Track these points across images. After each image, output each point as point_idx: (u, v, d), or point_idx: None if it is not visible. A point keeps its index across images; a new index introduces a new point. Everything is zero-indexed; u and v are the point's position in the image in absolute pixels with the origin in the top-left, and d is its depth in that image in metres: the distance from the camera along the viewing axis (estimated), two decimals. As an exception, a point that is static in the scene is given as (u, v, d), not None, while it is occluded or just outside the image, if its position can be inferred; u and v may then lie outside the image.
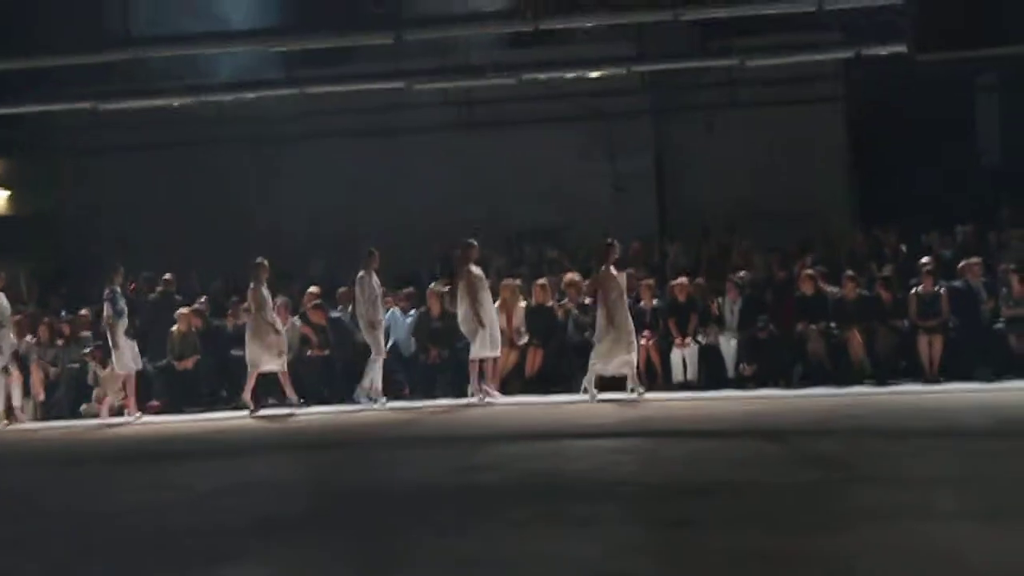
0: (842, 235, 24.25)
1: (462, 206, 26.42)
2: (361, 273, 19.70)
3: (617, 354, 18.65)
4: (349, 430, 17.60)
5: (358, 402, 19.80)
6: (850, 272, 20.11)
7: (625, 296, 18.90)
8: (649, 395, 19.03)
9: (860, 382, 19.10)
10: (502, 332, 20.03)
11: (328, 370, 20.86)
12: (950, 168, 26.34)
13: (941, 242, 22.20)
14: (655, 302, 20.57)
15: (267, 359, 19.65)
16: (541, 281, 21.19)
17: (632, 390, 18.68)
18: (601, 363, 18.77)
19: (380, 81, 22.66)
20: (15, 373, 20.54)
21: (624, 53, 23.52)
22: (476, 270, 19.55)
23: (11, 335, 20.46)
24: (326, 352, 20.90)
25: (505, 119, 25.47)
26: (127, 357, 19.87)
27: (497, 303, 20.25)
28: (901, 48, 19.69)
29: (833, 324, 19.75)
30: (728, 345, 19.92)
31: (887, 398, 17.95)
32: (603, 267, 18.78)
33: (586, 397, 18.78)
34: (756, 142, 26.36)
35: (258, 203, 28.05)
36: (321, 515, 10.77)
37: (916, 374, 19.07)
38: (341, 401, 20.24)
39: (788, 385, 19.36)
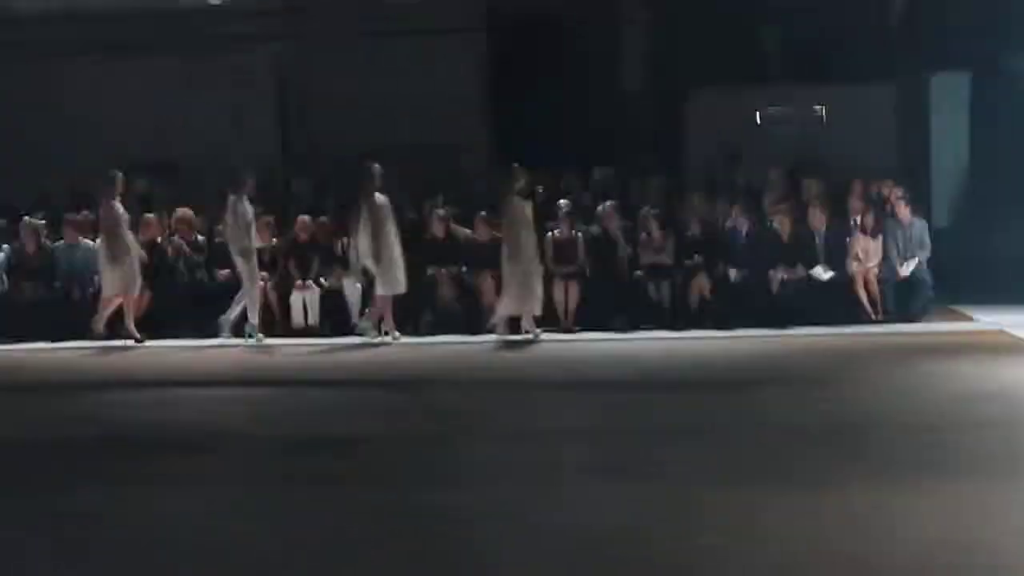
0: (477, 174, 24.11)
1: (66, 135, 25.27)
2: (233, 198, 18.79)
3: None
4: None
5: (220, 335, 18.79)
6: (483, 214, 19.92)
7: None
8: (268, 340, 18.69)
9: (493, 330, 18.97)
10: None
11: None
12: (592, 109, 26.50)
13: (580, 184, 22.23)
14: (274, 240, 20.01)
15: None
16: (149, 216, 20.37)
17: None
18: None
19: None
20: None
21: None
22: (381, 198, 18.65)
23: None
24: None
25: (112, 42, 24.44)
26: None
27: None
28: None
29: (465, 268, 19.56)
30: (353, 289, 19.53)
31: (521, 347, 17.87)
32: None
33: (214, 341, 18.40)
34: (390, 72, 25.97)
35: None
36: None
37: (552, 322, 19.02)
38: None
39: (416, 332, 19.08)
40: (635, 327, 19.00)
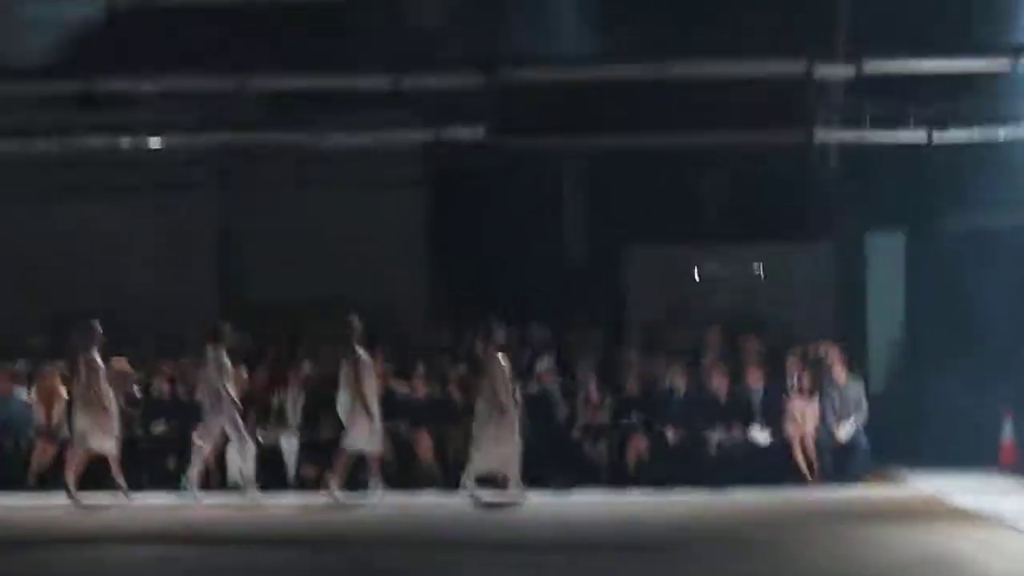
0: (416, 329, 24.13)
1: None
2: (211, 348, 18.96)
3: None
4: None
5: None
6: (421, 369, 19.93)
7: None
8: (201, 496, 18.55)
9: (430, 486, 18.91)
10: (41, 425, 19.24)
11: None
12: (535, 262, 26.62)
13: (518, 341, 22.30)
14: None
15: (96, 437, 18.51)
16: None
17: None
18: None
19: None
20: None
21: (187, 121, 22.87)
22: (363, 353, 18.67)
23: None
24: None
25: (57, 187, 24.43)
26: None
27: (33, 391, 19.32)
28: (481, 131, 19.87)
29: (402, 424, 19.51)
30: (289, 444, 19.44)
31: (457, 505, 17.81)
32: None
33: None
34: (329, 225, 26.03)
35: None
36: None
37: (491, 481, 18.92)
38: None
39: (354, 489, 18.94)
40: (571, 486, 18.97)
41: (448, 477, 19.13)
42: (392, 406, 19.68)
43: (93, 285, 25.31)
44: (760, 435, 19.29)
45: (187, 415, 19.47)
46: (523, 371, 20.31)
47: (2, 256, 25.36)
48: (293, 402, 19.89)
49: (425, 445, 19.28)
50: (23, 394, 19.85)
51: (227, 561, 13.99)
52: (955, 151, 21.50)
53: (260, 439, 19.61)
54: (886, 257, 25.14)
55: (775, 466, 19.15)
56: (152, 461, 19.62)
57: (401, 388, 20.11)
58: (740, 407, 19.58)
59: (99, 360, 18.87)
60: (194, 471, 18.61)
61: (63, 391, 19.85)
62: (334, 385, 19.59)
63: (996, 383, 21.07)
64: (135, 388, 20.26)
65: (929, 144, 20.64)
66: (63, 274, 25.24)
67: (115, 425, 18.78)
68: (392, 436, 19.49)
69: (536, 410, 19.56)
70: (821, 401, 19.47)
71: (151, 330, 23.22)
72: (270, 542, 15.24)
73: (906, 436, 20.56)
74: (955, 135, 20.43)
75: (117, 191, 25.22)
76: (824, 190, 25.37)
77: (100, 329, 19.13)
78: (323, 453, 19.24)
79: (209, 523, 16.82)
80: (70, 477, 18.57)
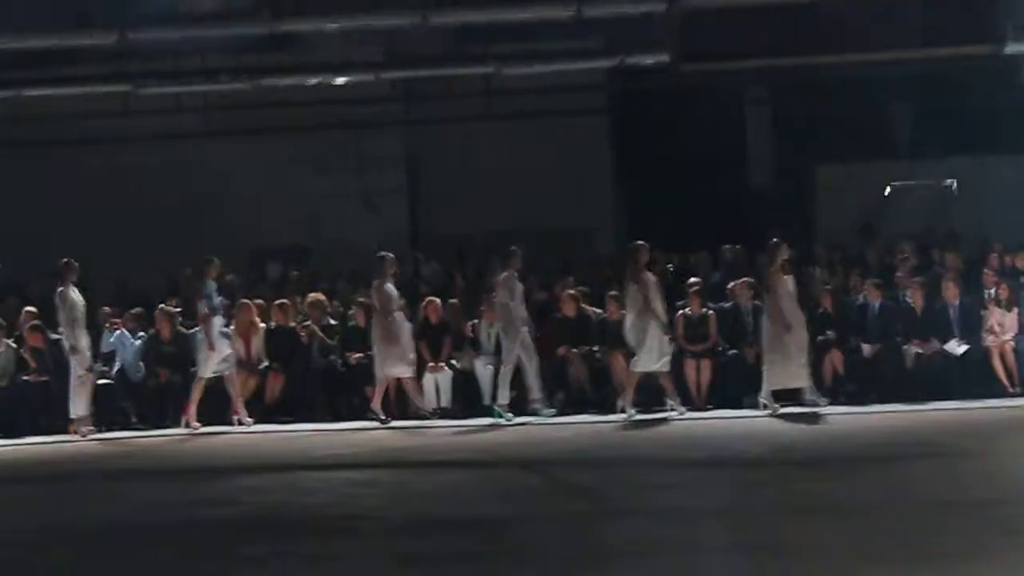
0: (607, 254, 24.19)
1: (197, 220, 25.73)
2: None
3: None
4: (66, 463, 16.90)
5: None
6: (613, 293, 19.96)
7: None
8: (400, 423, 18.85)
9: (624, 409, 18.97)
10: (240, 358, 19.67)
11: (46, 396, 19.97)
12: (720, 186, 26.55)
13: (709, 263, 22.26)
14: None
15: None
16: (281, 301, 20.65)
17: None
18: None
19: (105, 84, 21.89)
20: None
21: (372, 59, 23.10)
22: (650, 276, 18.81)
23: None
24: (44, 378, 19.96)
25: (243, 128, 24.82)
26: None
27: (232, 326, 19.71)
28: (664, 58, 19.77)
29: (596, 348, 19.59)
30: (484, 370, 19.63)
31: (653, 426, 17.85)
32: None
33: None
34: (516, 156, 26.19)
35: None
36: (26, 558, 10.22)
37: (685, 400, 18.89)
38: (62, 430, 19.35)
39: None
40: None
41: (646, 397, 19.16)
42: (585, 330, 19.80)
43: (290, 221, 25.85)
44: (959, 348, 19.01)
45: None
46: (718, 292, 20.31)
47: (203, 195, 25.99)
48: (488, 329, 20.03)
49: (620, 367, 19.27)
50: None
51: (436, 483, 14.15)
52: None
53: (456, 365, 19.88)
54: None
55: (973, 378, 18.88)
56: (351, 389, 19.95)
57: (594, 312, 20.11)
58: (937, 321, 19.31)
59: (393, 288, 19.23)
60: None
61: (259, 324, 20.28)
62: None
63: None
64: (330, 320, 20.57)
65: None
66: (261, 213, 25.78)
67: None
68: (587, 359, 19.62)
69: (731, 329, 19.49)
70: (1020, 311, 19.13)
71: (345, 264, 23.56)
72: (475, 464, 15.36)
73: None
74: None
75: (307, 131, 25.64)
76: (1015, 102, 24.91)
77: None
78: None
79: (406, 449, 17.09)
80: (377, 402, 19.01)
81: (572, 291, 20.24)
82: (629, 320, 18.57)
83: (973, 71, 24.22)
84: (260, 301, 20.96)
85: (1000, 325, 19.04)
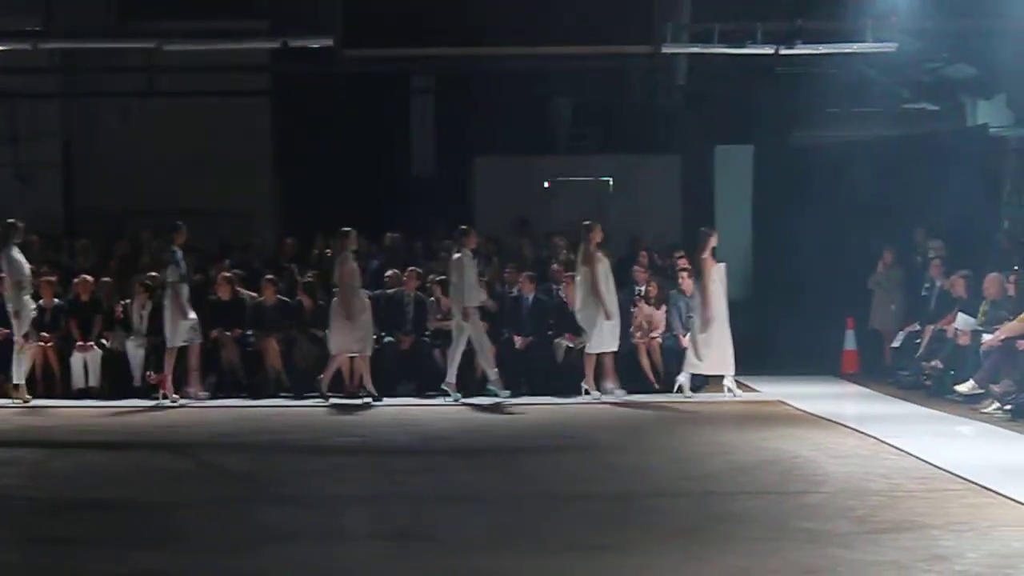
0: (264, 237, 23.97)
1: None
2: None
3: None
4: None
5: None
6: (270, 276, 19.81)
7: None
8: (45, 402, 18.42)
9: (276, 394, 18.85)
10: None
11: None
12: (383, 172, 26.60)
13: (369, 249, 22.23)
14: (56, 300, 19.60)
15: None
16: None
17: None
18: None
19: None
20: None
21: (30, 27, 22.38)
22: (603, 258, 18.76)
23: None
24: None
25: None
26: None
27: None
28: (329, 41, 19.78)
29: (250, 331, 19.41)
30: (135, 351, 19.25)
31: (303, 412, 17.78)
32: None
33: None
34: (178, 134, 25.73)
35: None
36: None
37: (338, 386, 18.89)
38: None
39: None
40: (421, 393, 19.01)
41: (295, 383, 19.12)
42: (239, 313, 19.60)
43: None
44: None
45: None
46: (378, 279, 20.36)
47: None
48: (139, 310, 19.62)
49: (273, 352, 19.16)
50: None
51: (80, 464, 13.82)
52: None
53: (106, 344, 19.46)
54: (734, 168, 25.45)
55: (623, 373, 19.22)
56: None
57: (249, 295, 19.92)
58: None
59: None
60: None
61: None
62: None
63: (842, 294, 21.53)
64: None
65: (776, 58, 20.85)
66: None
67: None
68: (239, 343, 19.43)
69: (390, 314, 19.58)
70: (668, 310, 19.61)
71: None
72: (120, 446, 15.07)
73: (751, 348, 20.67)
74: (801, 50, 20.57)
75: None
76: (672, 102, 25.69)
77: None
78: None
79: (51, 428, 16.67)
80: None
81: (227, 274, 20.01)
82: (579, 302, 18.72)
83: (633, 70, 24.91)
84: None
85: (648, 322, 19.49)
